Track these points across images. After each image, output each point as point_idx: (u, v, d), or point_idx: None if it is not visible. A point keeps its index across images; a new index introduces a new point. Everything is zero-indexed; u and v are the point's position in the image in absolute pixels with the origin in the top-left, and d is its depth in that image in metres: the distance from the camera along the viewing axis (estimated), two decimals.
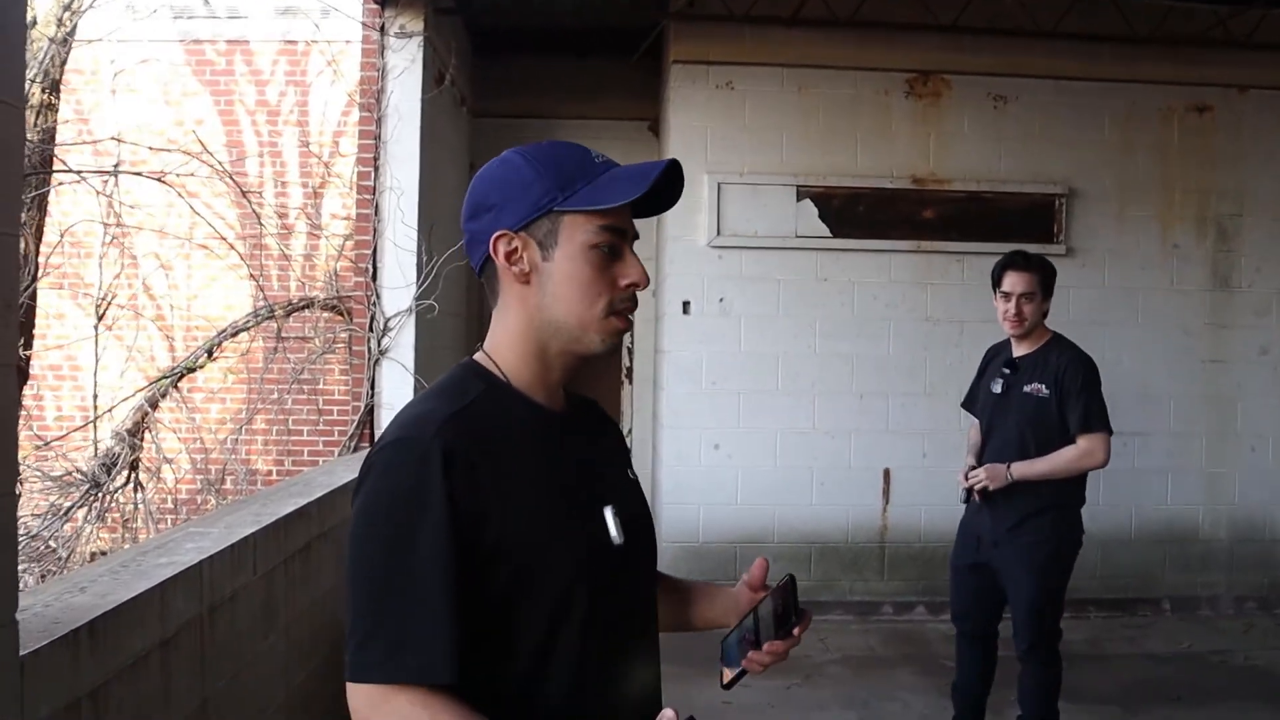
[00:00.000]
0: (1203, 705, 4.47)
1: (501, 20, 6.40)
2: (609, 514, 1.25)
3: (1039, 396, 3.45)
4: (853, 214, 5.65)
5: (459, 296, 6.25)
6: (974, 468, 3.54)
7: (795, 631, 1.25)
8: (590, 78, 6.57)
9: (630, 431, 6.58)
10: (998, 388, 3.57)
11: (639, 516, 1.33)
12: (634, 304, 1.27)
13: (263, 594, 2.81)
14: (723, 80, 5.67)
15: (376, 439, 1.25)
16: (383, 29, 5.36)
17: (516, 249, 1.23)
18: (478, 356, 1.29)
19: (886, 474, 5.65)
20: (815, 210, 5.62)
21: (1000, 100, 5.74)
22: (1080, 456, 3.41)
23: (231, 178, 6.66)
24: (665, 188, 1.26)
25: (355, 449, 5.40)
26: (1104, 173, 5.80)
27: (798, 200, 5.61)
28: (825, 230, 5.62)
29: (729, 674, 1.30)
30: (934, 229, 5.68)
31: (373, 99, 5.32)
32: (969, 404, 3.85)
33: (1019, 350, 3.57)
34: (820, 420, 5.63)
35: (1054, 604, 3.47)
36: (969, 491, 3.54)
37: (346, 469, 4.22)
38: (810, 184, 5.62)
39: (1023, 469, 3.41)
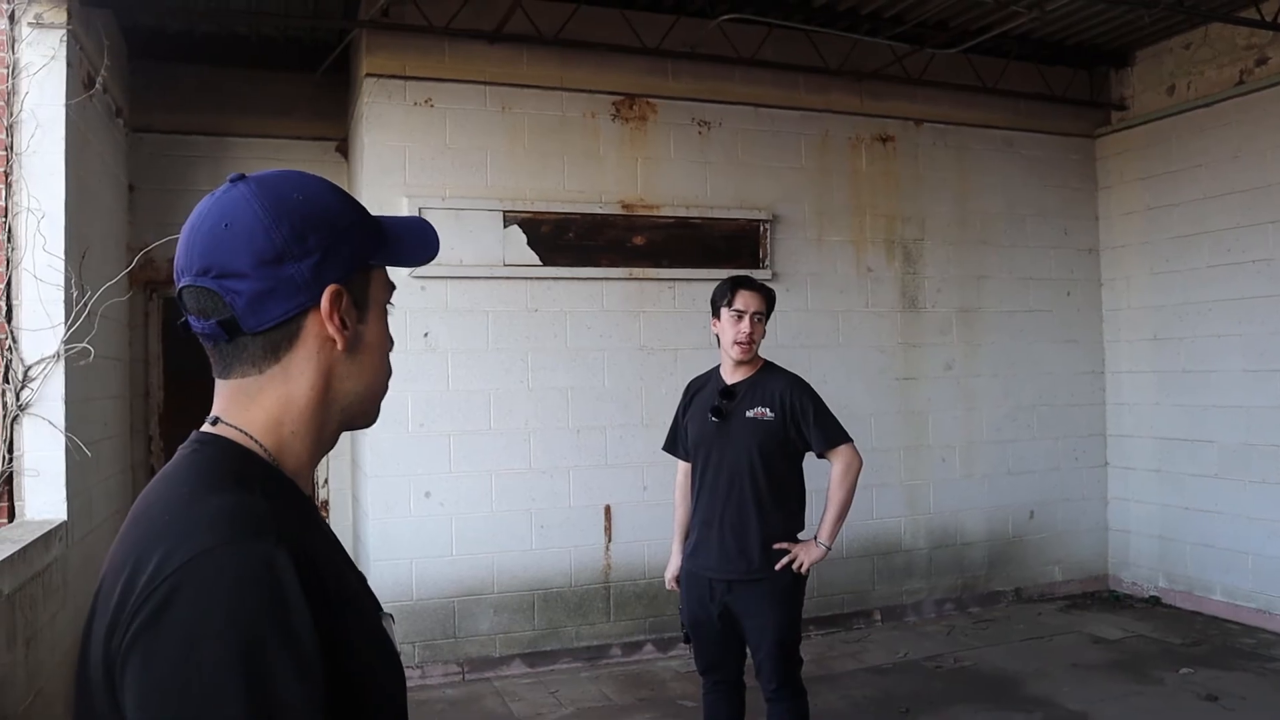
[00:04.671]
0: (931, 713, 4.61)
1: (164, 22, 5.62)
2: (388, 625, 1.04)
3: (765, 420, 3.35)
4: (563, 241, 5.42)
5: (119, 338, 5.38)
6: (787, 548, 3.35)
7: None
8: (269, 92, 5.91)
9: (326, 482, 5.96)
10: (714, 417, 3.41)
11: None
12: None
13: None
14: (421, 96, 5.25)
15: (163, 556, 0.85)
16: (12, 18, 4.45)
17: (346, 307, 1.04)
18: (225, 431, 1.01)
19: (608, 510, 5.44)
20: (524, 237, 5.33)
21: (704, 125, 5.75)
22: (845, 472, 3.40)
23: None
24: None
25: None
26: (803, 198, 5.96)
27: (505, 226, 5.29)
28: (535, 258, 5.34)
29: None
30: (645, 255, 5.57)
31: (1, 101, 4.40)
32: (672, 445, 3.68)
33: (734, 377, 3.45)
34: (537, 459, 5.33)
35: (796, 634, 3.41)
36: (687, 634, 3.50)
37: None
38: (518, 209, 5.32)
39: (828, 530, 3.37)
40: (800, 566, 3.32)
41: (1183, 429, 6.23)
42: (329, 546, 1.00)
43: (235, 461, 0.98)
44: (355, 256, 1.04)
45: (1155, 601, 6.36)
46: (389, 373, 1.11)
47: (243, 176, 1.03)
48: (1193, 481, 6.16)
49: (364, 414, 1.09)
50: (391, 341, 1.12)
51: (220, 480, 0.94)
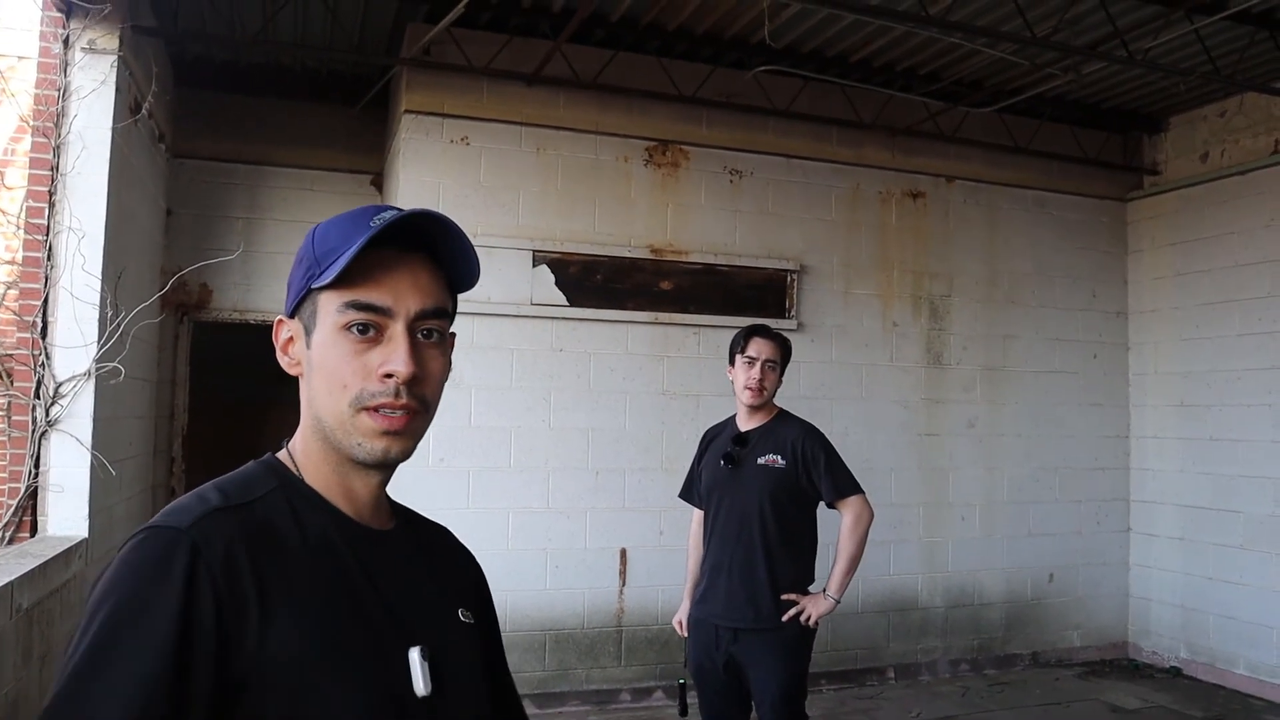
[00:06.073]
0: None
1: (211, 51, 5.76)
2: (415, 657, 1.01)
3: (776, 468, 3.33)
4: (590, 282, 5.45)
5: (149, 359, 5.44)
6: (795, 599, 3.31)
7: None
8: (308, 123, 6.03)
9: None
10: (726, 463, 3.41)
11: (463, 665, 1.10)
12: (397, 398, 1.02)
13: None
14: (458, 135, 5.33)
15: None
16: (66, 42, 4.57)
17: (292, 338, 1.09)
18: (281, 452, 1.11)
19: (623, 554, 5.41)
20: (552, 277, 5.37)
21: (736, 174, 5.79)
22: (855, 524, 3.36)
23: None
24: (443, 247, 1.10)
25: (11, 540, 4.46)
26: (832, 250, 5.98)
27: (534, 266, 5.34)
28: (562, 298, 5.38)
29: None
30: (671, 300, 5.59)
31: (50, 123, 4.49)
32: (687, 493, 3.69)
33: (748, 424, 3.45)
34: (554, 498, 5.32)
35: (802, 689, 3.35)
36: (682, 699, 3.51)
37: None
38: (547, 249, 5.37)
39: (837, 583, 3.32)
40: (808, 619, 3.28)
41: (1208, 498, 6.14)
42: (307, 560, 0.98)
43: (257, 475, 1.06)
44: (299, 287, 1.06)
45: (1176, 672, 6.23)
46: (340, 396, 1.02)
47: None
48: (1217, 551, 6.06)
49: (341, 444, 1.04)
50: (365, 364, 1.02)
51: (218, 483, 1.02)
